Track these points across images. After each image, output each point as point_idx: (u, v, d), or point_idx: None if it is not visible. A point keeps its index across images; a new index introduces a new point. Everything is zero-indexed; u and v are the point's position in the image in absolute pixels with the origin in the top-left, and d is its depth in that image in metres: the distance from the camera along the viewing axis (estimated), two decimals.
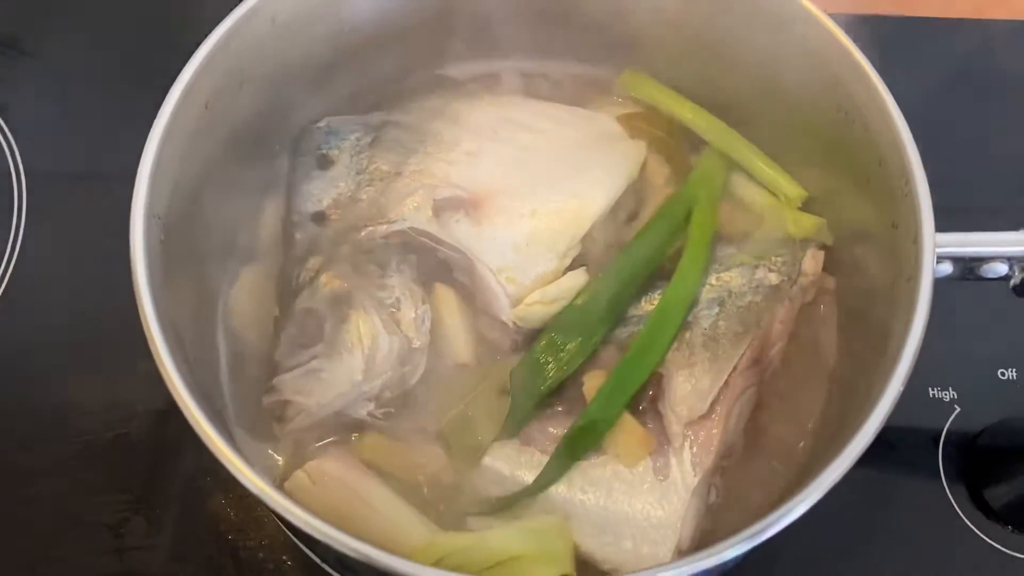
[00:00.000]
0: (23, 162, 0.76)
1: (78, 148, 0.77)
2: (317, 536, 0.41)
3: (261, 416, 0.57)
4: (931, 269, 0.49)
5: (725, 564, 0.45)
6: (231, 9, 0.57)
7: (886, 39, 0.61)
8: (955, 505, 0.65)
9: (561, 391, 0.58)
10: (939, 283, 0.50)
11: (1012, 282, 0.54)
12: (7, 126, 0.77)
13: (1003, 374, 0.69)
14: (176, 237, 0.53)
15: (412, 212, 0.60)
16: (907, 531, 0.64)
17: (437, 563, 0.50)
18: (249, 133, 0.60)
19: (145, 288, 0.47)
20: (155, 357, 0.45)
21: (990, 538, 0.64)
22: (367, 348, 0.56)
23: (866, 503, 0.64)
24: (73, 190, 0.75)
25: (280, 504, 0.41)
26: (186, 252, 0.54)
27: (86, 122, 0.78)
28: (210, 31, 0.56)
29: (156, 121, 0.51)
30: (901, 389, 0.47)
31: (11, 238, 0.73)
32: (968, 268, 0.54)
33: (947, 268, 0.53)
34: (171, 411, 0.64)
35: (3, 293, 0.70)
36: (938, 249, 0.50)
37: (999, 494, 0.64)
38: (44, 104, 0.79)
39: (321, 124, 0.65)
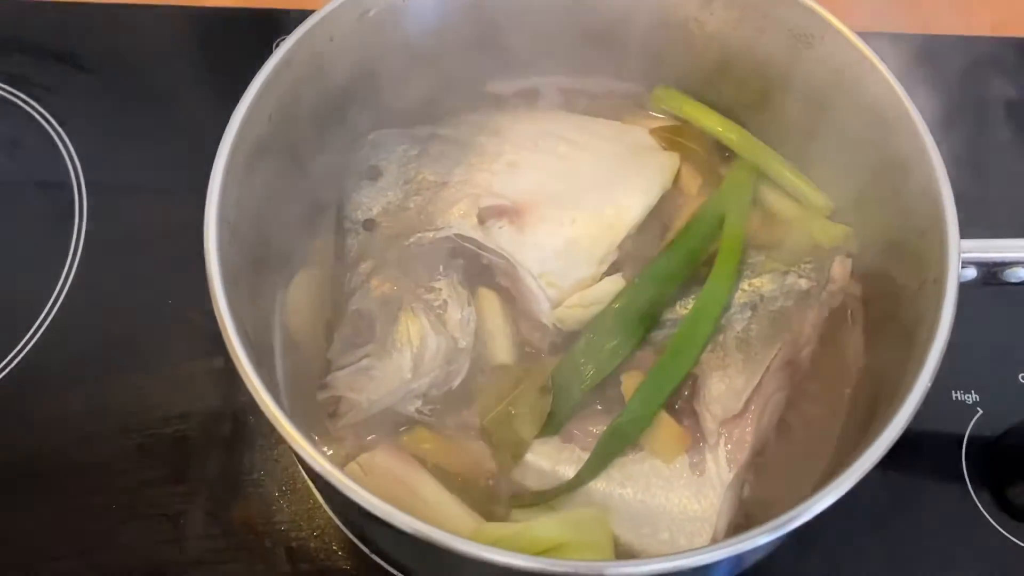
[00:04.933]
0: (83, 175, 0.79)
1: (136, 162, 0.80)
2: (385, 518, 0.43)
3: (314, 411, 0.59)
4: (956, 273, 0.52)
5: (755, 553, 0.47)
6: (289, 30, 0.60)
7: (909, 56, 0.63)
8: (979, 504, 0.66)
9: (600, 390, 0.60)
10: (962, 288, 0.52)
11: None
12: (69, 140, 0.81)
13: None
14: (240, 243, 0.55)
15: (458, 220, 0.63)
16: (932, 530, 0.66)
17: None
18: (305, 145, 0.63)
19: (220, 290, 0.49)
20: (231, 353, 0.48)
21: (1014, 536, 0.65)
22: (416, 347, 0.59)
23: (892, 503, 0.66)
24: (131, 202, 0.78)
25: (349, 487, 0.44)
26: (248, 257, 0.57)
27: (144, 137, 0.81)
28: (261, 50, 0.59)
29: (226, 131, 0.54)
30: (928, 386, 0.49)
31: (72, 247, 0.76)
32: (991, 273, 0.56)
33: (971, 273, 0.55)
34: (226, 409, 0.69)
35: (65, 300, 0.73)
36: (962, 254, 0.53)
37: (1022, 493, 0.66)
38: (104, 120, 0.83)
39: (371, 137, 0.68)
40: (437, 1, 0.65)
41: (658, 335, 0.62)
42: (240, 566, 0.63)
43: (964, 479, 0.67)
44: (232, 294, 0.51)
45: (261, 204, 0.59)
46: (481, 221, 0.63)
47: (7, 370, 0.70)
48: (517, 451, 0.59)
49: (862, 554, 0.65)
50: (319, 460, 0.45)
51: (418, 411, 0.59)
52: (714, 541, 0.56)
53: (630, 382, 0.60)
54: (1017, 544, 0.65)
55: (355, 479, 0.55)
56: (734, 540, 0.45)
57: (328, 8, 0.60)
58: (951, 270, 0.51)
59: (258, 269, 0.60)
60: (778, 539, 0.46)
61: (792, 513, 0.46)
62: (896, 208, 0.59)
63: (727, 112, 0.72)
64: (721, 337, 0.61)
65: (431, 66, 0.68)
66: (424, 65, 0.67)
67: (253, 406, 0.47)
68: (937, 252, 0.53)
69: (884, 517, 0.66)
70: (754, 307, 0.62)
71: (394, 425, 0.60)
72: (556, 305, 0.62)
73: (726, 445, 0.58)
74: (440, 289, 0.61)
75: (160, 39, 0.87)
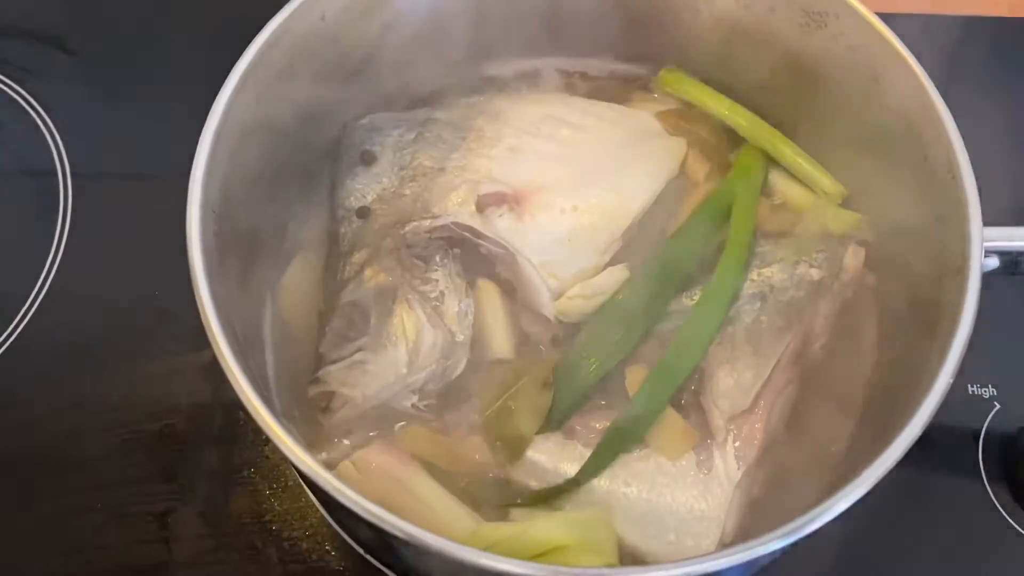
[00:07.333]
0: (69, 161, 0.77)
1: (123, 148, 0.78)
2: (375, 521, 0.41)
3: (306, 407, 0.58)
4: (979, 263, 0.49)
5: (768, 556, 0.45)
6: (276, 9, 0.57)
7: (927, 37, 0.61)
8: (995, 501, 0.65)
9: (603, 385, 0.58)
10: (982, 279, 0.50)
11: None
12: (54, 125, 0.79)
13: None
14: (227, 231, 0.53)
15: (455, 207, 0.61)
16: (948, 527, 0.64)
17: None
18: (296, 128, 0.61)
19: (203, 280, 0.47)
20: (214, 347, 0.46)
21: None
22: (411, 341, 0.57)
23: (907, 499, 0.64)
24: (118, 189, 0.76)
25: (338, 488, 0.42)
26: (236, 246, 0.55)
27: (131, 122, 0.79)
28: (254, 29, 0.57)
29: (210, 115, 0.52)
30: (949, 384, 0.47)
31: (57, 235, 0.74)
32: (1014, 262, 0.54)
33: (993, 262, 0.53)
34: (215, 403, 0.66)
35: (50, 289, 0.71)
36: (985, 243, 0.50)
37: None
38: (90, 104, 0.80)
39: (365, 120, 0.66)
40: None
41: (664, 327, 0.60)
42: (229, 567, 0.61)
43: (980, 475, 0.65)
44: (217, 286, 0.48)
45: (250, 191, 0.56)
46: (480, 209, 0.61)
47: None
48: (517, 448, 0.57)
49: (876, 550, 0.63)
50: (306, 460, 0.43)
51: (414, 406, 0.57)
52: (722, 542, 0.54)
53: (635, 376, 0.58)
54: None
55: (348, 478, 0.55)
56: (748, 545, 0.43)
57: None
58: (974, 261, 0.49)
59: (247, 259, 0.58)
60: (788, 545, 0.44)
61: (809, 516, 0.44)
62: (913, 194, 0.57)
63: (736, 95, 0.69)
64: (730, 329, 0.59)
65: (426, 47, 0.65)
66: (419, 46, 0.65)
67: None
68: (958, 241, 0.51)
69: (898, 513, 0.64)
70: (764, 298, 0.60)
71: (389, 421, 0.58)
72: (558, 296, 0.60)
73: (734, 442, 0.56)
74: (437, 280, 0.59)
75: (146, 20, 0.84)
